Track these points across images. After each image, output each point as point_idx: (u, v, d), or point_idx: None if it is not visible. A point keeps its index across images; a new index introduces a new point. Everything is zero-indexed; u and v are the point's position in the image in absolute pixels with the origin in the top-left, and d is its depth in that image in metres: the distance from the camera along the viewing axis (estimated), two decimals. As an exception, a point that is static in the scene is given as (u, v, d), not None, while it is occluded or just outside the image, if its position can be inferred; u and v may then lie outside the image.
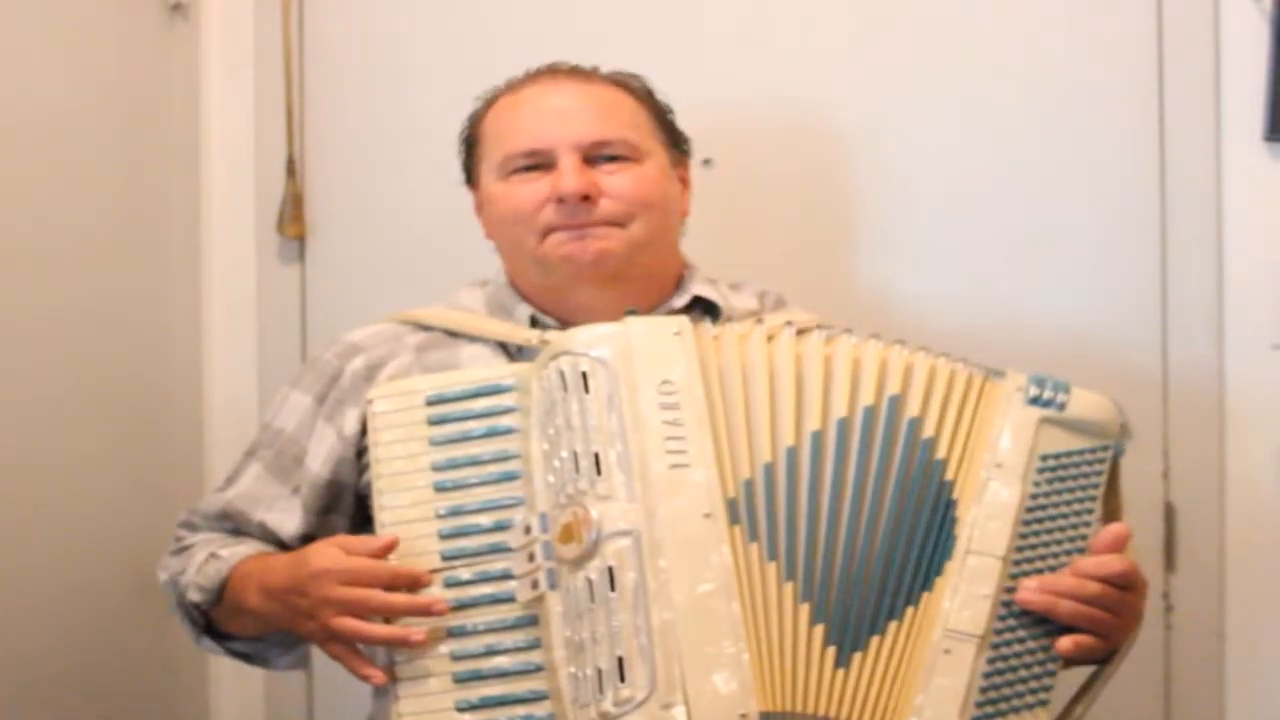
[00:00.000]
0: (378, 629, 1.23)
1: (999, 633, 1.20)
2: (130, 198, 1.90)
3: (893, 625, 1.20)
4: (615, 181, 1.43)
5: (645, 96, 1.50)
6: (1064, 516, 1.26)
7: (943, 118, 1.89)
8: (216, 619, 1.42)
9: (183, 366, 2.01)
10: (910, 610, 1.21)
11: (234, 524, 1.46)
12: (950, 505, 1.24)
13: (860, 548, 1.21)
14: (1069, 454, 1.28)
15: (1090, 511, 1.27)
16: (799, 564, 1.19)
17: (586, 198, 1.41)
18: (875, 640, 1.19)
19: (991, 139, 1.88)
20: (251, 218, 2.03)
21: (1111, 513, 1.31)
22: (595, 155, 1.44)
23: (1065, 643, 1.21)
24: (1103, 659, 1.28)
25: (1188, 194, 1.82)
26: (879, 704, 1.17)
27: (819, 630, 1.18)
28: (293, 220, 2.01)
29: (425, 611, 1.22)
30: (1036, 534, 1.24)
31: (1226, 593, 1.82)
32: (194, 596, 1.40)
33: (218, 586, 1.38)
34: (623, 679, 1.12)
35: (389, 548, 1.24)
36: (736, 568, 1.16)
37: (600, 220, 1.42)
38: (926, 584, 1.22)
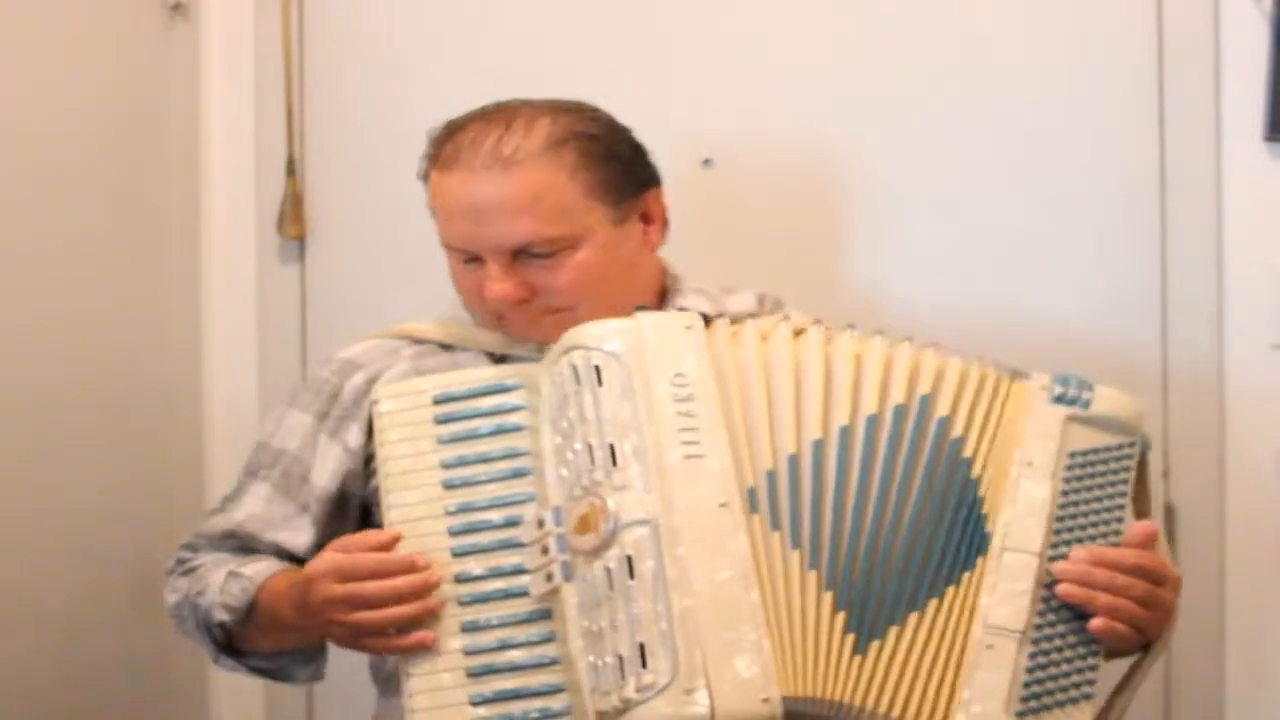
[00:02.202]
0: (390, 639, 1.23)
1: (1039, 628, 1.21)
2: (130, 198, 1.90)
3: (913, 617, 1.20)
4: (551, 277, 1.39)
5: (582, 156, 1.39)
6: (1095, 513, 1.26)
7: (943, 118, 1.89)
8: (238, 637, 1.41)
9: (183, 367, 2.01)
10: (933, 603, 1.21)
11: (240, 543, 1.45)
12: (977, 503, 1.25)
13: (884, 540, 1.22)
14: (1096, 451, 1.28)
15: (1121, 508, 1.28)
16: (823, 553, 1.20)
17: (522, 299, 1.39)
18: (894, 630, 1.19)
19: (991, 139, 1.88)
20: (251, 218, 2.02)
21: (1142, 510, 1.33)
22: (524, 252, 1.38)
23: (1097, 621, 1.22)
24: (1139, 653, 1.29)
25: (1188, 194, 1.83)
26: (904, 694, 1.18)
27: (840, 618, 1.18)
28: (293, 221, 2.01)
29: (424, 585, 1.21)
30: (1070, 530, 1.25)
31: (1226, 593, 1.82)
32: (221, 616, 1.38)
33: (246, 605, 1.37)
34: (644, 665, 1.12)
35: (393, 540, 1.25)
36: (755, 556, 1.17)
37: (546, 310, 1.40)
38: (952, 578, 1.22)
